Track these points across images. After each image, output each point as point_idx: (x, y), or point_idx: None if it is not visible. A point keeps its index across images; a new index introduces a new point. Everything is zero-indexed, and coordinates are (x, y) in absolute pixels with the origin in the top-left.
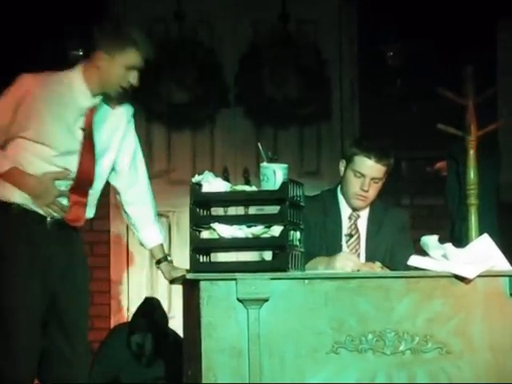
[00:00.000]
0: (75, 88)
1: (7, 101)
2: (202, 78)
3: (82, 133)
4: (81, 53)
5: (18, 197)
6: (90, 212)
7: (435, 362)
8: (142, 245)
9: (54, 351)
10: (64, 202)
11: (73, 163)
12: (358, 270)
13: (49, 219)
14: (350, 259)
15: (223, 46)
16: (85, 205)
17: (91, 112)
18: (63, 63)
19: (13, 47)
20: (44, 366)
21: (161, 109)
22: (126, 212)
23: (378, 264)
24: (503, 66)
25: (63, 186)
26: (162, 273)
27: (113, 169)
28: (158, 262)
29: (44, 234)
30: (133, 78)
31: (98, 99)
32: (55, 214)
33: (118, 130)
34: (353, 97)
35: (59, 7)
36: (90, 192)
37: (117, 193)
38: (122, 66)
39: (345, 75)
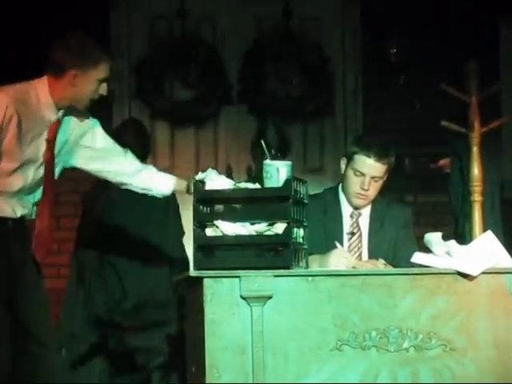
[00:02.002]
0: (42, 102)
1: None
2: (205, 75)
3: (46, 144)
4: None
5: None
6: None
7: (439, 359)
8: (163, 196)
9: (22, 352)
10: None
11: (29, 174)
12: (354, 267)
13: (10, 221)
14: (344, 256)
15: (226, 43)
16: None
17: (56, 124)
18: None
19: (14, 47)
20: (18, 371)
21: (164, 106)
22: (133, 185)
23: (382, 261)
24: (506, 62)
25: (32, 199)
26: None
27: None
28: (189, 190)
29: (6, 234)
30: (103, 89)
31: (61, 112)
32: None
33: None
34: (356, 93)
35: (60, 8)
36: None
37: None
38: (96, 80)
39: (348, 71)
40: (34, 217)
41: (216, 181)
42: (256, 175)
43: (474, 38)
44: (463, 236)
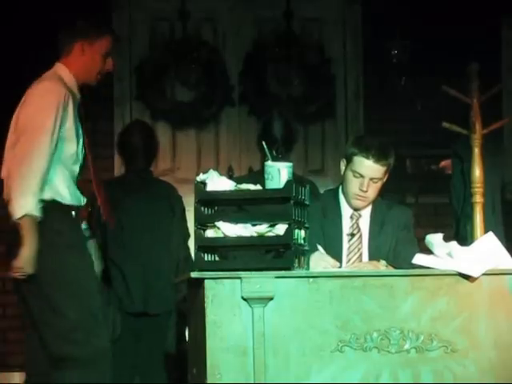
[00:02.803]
0: (70, 84)
1: (56, 114)
2: (206, 76)
3: (81, 125)
4: None
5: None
6: None
7: (440, 360)
8: None
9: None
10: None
11: (80, 156)
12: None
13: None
14: (323, 259)
15: (227, 44)
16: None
17: (81, 103)
18: None
19: (16, 46)
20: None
21: (165, 107)
22: None
23: (383, 262)
24: (508, 64)
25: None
26: None
27: None
28: None
29: (74, 221)
30: (109, 64)
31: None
32: None
33: None
34: (357, 94)
35: (62, 8)
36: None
37: None
38: (102, 52)
39: (349, 73)
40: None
41: (217, 182)
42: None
43: (475, 40)
44: (464, 237)
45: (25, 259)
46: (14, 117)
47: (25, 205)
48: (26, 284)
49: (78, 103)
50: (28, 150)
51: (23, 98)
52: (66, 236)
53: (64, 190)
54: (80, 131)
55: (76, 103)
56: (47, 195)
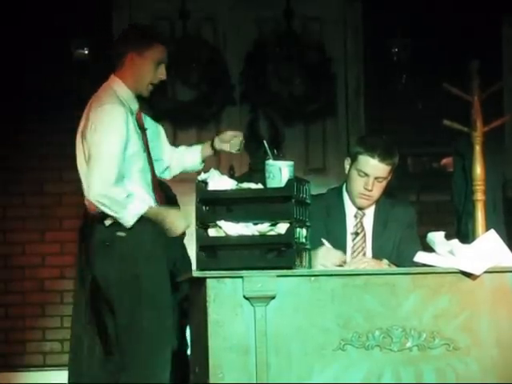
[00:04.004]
0: (124, 96)
1: (120, 138)
2: (207, 75)
3: (142, 134)
4: (86, 51)
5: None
6: None
7: (442, 358)
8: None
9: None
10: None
11: (148, 165)
12: (341, 265)
13: None
14: (331, 255)
15: (228, 43)
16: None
17: (140, 113)
18: (68, 62)
19: (17, 46)
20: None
21: (167, 107)
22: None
23: (385, 261)
24: (509, 62)
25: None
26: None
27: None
28: (213, 147)
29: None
30: (161, 72)
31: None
32: None
33: None
34: (358, 93)
35: (63, 6)
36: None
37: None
38: (152, 61)
39: (350, 72)
40: None
41: (218, 181)
42: (253, 168)
43: (476, 38)
44: (466, 235)
45: (175, 222)
46: (79, 131)
47: (124, 216)
48: (103, 293)
49: (136, 113)
50: (98, 177)
51: (86, 111)
52: (145, 248)
53: (150, 201)
54: (142, 141)
55: (134, 115)
56: None
